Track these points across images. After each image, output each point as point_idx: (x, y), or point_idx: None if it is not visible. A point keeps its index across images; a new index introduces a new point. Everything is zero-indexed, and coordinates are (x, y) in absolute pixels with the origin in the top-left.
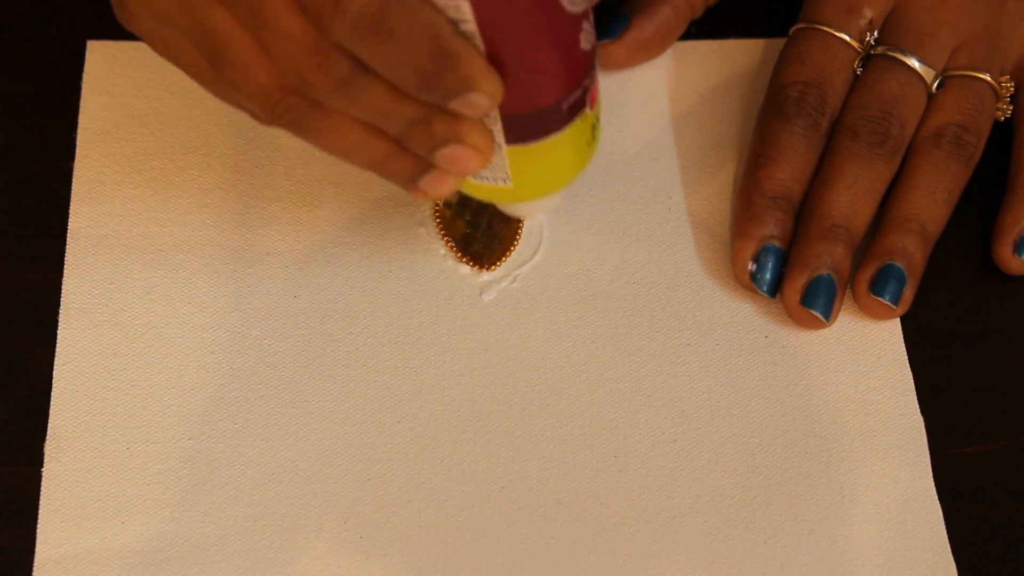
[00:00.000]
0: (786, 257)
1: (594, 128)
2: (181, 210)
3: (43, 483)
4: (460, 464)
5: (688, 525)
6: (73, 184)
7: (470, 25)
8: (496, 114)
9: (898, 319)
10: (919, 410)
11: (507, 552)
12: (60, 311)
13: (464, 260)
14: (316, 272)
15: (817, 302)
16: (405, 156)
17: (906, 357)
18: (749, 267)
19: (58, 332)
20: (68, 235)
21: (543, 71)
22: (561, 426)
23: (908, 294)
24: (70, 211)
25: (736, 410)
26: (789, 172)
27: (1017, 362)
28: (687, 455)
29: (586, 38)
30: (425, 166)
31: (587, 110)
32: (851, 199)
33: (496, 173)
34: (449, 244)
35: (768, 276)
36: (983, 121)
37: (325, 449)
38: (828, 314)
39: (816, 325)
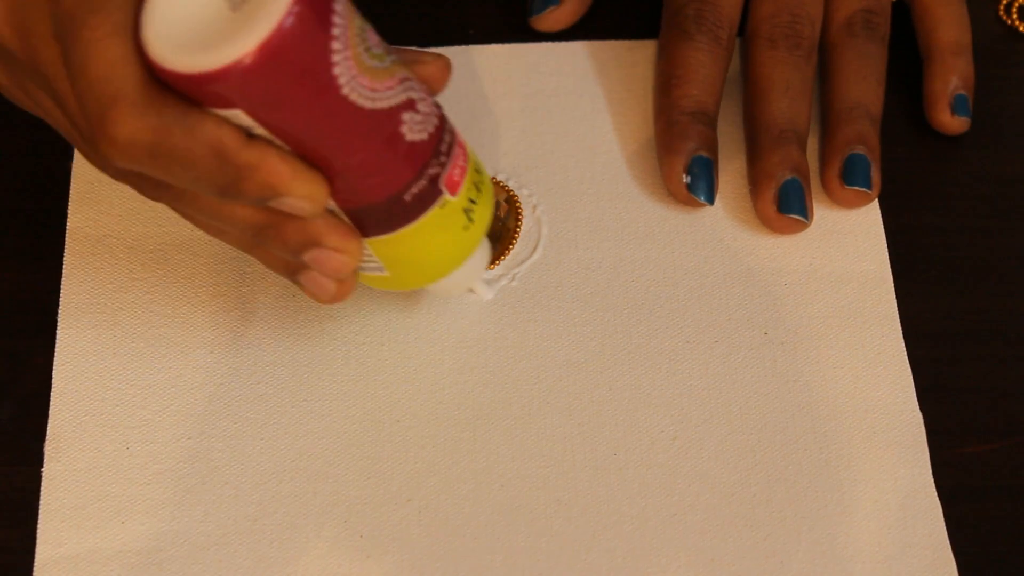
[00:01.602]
0: (715, 166)
1: (468, 212)
2: None
3: (43, 483)
4: (459, 463)
5: (687, 522)
6: (72, 184)
7: (261, 130)
8: (338, 209)
9: (897, 318)
10: (918, 407)
11: (507, 550)
12: (59, 311)
13: None
14: None
15: (793, 206)
16: (273, 255)
17: (905, 353)
18: (683, 180)
19: (58, 332)
20: (67, 235)
21: (361, 168)
22: (560, 424)
23: (876, 176)
24: (69, 211)
25: (735, 407)
26: (700, 87)
27: (1017, 362)
28: (686, 453)
29: (415, 128)
30: (299, 265)
31: (447, 197)
32: (789, 103)
33: (369, 264)
34: None
35: (704, 183)
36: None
37: (325, 448)
38: (806, 213)
39: (798, 227)
